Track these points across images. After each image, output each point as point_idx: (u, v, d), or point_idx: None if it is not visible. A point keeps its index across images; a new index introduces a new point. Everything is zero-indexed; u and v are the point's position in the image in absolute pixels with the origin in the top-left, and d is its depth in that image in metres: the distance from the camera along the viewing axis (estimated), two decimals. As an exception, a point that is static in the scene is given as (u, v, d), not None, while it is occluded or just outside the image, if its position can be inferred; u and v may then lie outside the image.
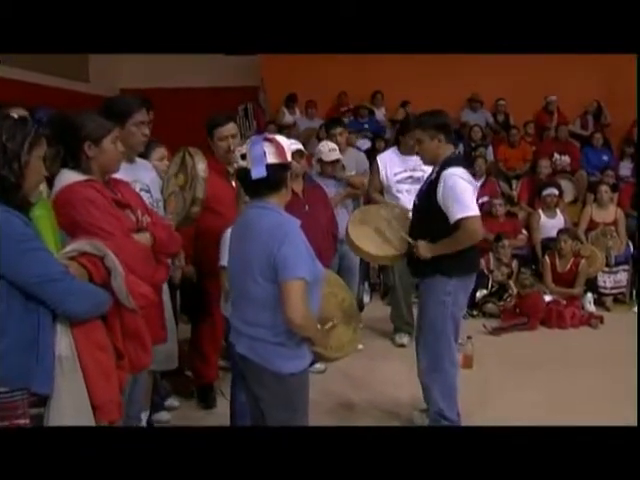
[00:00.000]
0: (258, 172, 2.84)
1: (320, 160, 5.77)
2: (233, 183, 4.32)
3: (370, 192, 6.14)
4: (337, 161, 5.78)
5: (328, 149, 5.73)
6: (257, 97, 11.48)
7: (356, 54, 4.53)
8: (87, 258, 2.33)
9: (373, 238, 4.31)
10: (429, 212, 3.99)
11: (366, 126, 10.66)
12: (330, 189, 5.55)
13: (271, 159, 2.86)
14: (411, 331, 5.89)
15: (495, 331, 6.50)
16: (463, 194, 3.85)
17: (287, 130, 10.55)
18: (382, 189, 6.01)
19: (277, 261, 2.77)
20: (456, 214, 3.84)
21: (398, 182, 5.89)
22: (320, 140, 9.73)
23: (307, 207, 4.92)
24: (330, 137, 6.15)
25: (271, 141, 2.89)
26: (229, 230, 3.25)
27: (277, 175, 2.89)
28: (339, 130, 6.14)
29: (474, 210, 3.87)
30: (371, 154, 8.13)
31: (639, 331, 5.23)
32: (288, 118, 11.22)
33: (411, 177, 5.79)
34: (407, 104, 11.03)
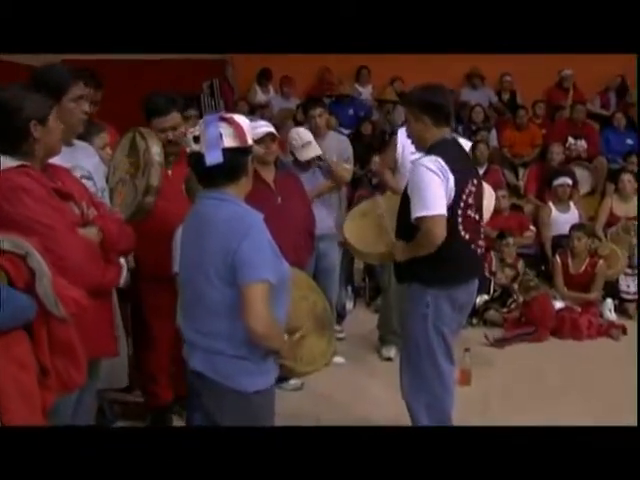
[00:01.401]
0: (213, 157, 2.82)
1: (293, 155, 5.71)
2: (169, 172, 4.32)
3: (380, 169, 6.19)
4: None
5: (301, 144, 5.61)
6: (225, 72, 11.44)
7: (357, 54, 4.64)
8: (6, 257, 2.28)
9: (368, 233, 4.35)
10: (404, 207, 3.97)
11: (350, 112, 10.64)
12: (307, 180, 5.51)
13: (228, 142, 2.84)
14: (400, 342, 5.91)
15: (497, 343, 6.53)
16: (426, 188, 3.77)
17: (260, 110, 10.57)
18: (395, 167, 5.92)
19: (237, 260, 2.76)
20: (414, 212, 3.81)
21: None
22: (298, 123, 9.82)
23: (280, 199, 4.91)
24: (309, 119, 6.14)
25: (228, 121, 2.87)
26: (180, 230, 3.22)
27: (236, 161, 2.88)
28: (319, 111, 6.11)
29: (435, 209, 3.75)
30: (355, 139, 8.17)
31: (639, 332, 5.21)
32: (260, 97, 11.23)
33: None
34: (397, 81, 11.04)
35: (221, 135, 2.83)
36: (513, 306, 6.99)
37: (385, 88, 11.03)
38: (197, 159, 2.87)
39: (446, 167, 3.80)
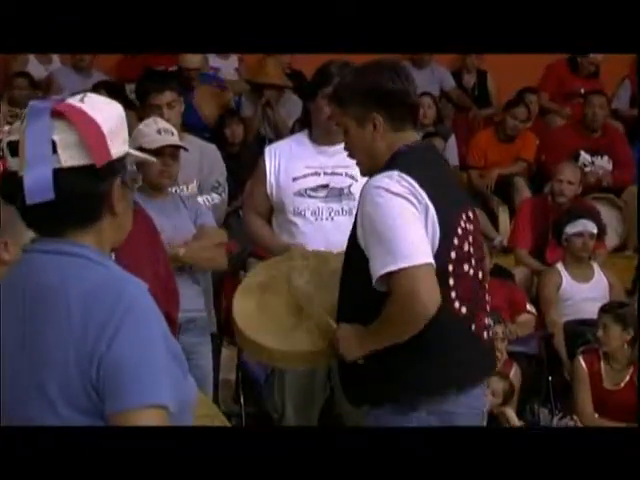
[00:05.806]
0: (36, 190, 2.66)
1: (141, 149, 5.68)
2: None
3: (245, 215, 6.25)
4: (174, 153, 5.79)
5: (156, 129, 5.72)
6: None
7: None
8: None
9: (282, 318, 4.41)
10: (352, 265, 4.16)
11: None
12: (162, 220, 5.57)
13: (69, 158, 2.69)
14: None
15: None
16: (392, 225, 3.90)
17: (36, 91, 10.47)
18: (270, 209, 5.99)
19: (106, 369, 2.63)
20: (378, 267, 3.89)
21: (298, 194, 5.85)
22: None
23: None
24: (147, 111, 6.19)
25: (69, 116, 2.70)
26: None
27: (86, 193, 2.74)
28: (168, 97, 6.15)
29: (416, 255, 3.87)
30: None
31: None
32: (36, 68, 11.37)
33: (326, 186, 5.82)
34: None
35: (55, 143, 2.67)
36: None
37: (262, 63, 11.00)
38: (16, 185, 2.70)
39: (419, 189, 3.94)
